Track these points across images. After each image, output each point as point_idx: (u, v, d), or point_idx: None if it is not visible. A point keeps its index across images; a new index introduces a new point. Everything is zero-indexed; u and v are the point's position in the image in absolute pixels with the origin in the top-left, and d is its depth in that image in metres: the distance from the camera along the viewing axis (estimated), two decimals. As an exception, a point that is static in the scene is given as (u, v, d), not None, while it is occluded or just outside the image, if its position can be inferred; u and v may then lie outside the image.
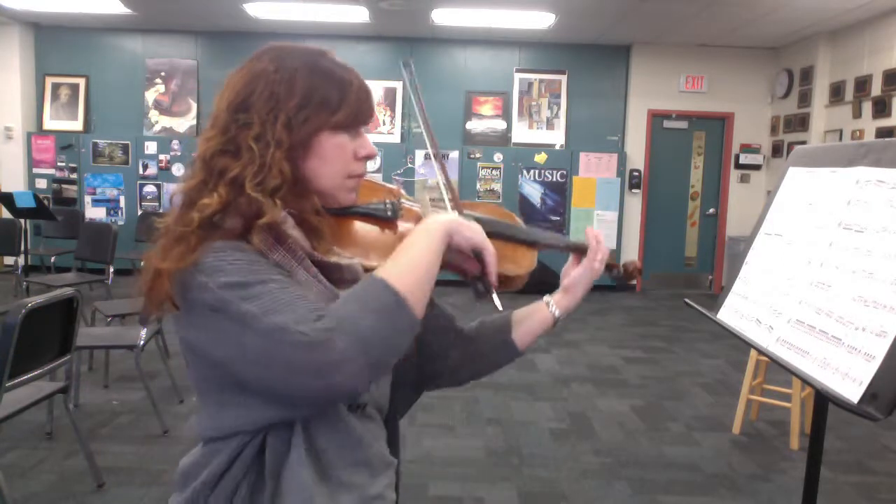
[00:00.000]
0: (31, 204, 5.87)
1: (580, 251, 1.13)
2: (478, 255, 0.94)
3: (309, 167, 0.90)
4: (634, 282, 1.24)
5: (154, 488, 2.85)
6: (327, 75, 0.90)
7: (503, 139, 8.07)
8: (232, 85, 0.90)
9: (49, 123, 8.04)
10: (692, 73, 7.95)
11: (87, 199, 7.87)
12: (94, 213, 7.84)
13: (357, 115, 0.92)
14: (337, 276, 0.89)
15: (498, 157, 7.87)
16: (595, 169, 7.89)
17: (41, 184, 7.87)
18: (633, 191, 8.07)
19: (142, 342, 3.37)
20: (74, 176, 7.86)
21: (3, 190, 7.15)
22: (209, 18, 7.36)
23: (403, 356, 0.85)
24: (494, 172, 7.87)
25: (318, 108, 0.88)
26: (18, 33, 7.79)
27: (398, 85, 7.92)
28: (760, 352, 1.46)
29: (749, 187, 8.12)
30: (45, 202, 6.58)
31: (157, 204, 7.84)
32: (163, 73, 8.04)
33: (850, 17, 6.39)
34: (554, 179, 7.89)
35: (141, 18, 7.44)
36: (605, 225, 7.90)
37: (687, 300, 1.83)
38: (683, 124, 8.13)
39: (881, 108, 6.15)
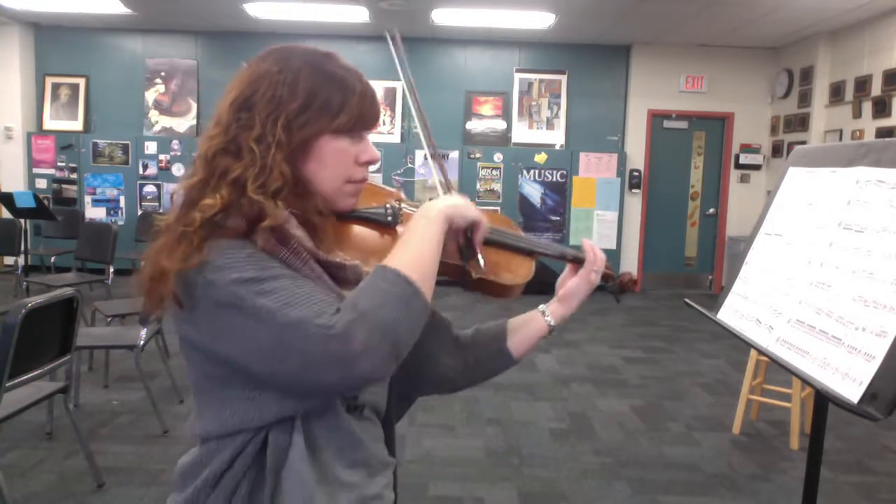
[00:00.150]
0: (31, 204, 5.87)
1: (577, 262, 1.14)
2: (467, 229, 0.98)
3: (308, 170, 0.90)
4: (627, 293, 1.25)
5: (154, 488, 2.85)
6: (330, 78, 0.90)
7: (503, 139, 8.07)
8: (236, 84, 0.90)
9: (49, 123, 8.05)
10: (692, 73, 7.95)
11: (87, 199, 7.87)
12: (94, 213, 7.84)
13: (359, 119, 0.91)
14: (341, 276, 0.89)
15: (498, 157, 7.87)
16: (595, 169, 7.89)
17: (41, 184, 7.87)
18: (633, 191, 8.07)
19: (142, 342, 3.37)
20: (74, 176, 7.86)
21: (3, 190, 7.15)
22: (209, 18, 7.36)
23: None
24: (494, 172, 7.87)
25: (318, 112, 0.88)
26: (18, 33, 7.79)
27: (398, 85, 7.91)
28: (760, 352, 1.46)
29: (749, 187, 8.12)
30: (45, 202, 6.58)
31: (157, 204, 7.85)
32: (163, 73, 8.04)
33: (850, 17, 6.40)
34: (554, 179, 7.89)
35: (141, 18, 7.44)
36: (605, 225, 7.90)
37: (687, 300, 1.83)
38: (683, 124, 8.14)
39: (881, 108, 6.15)
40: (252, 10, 6.86)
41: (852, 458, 3.39)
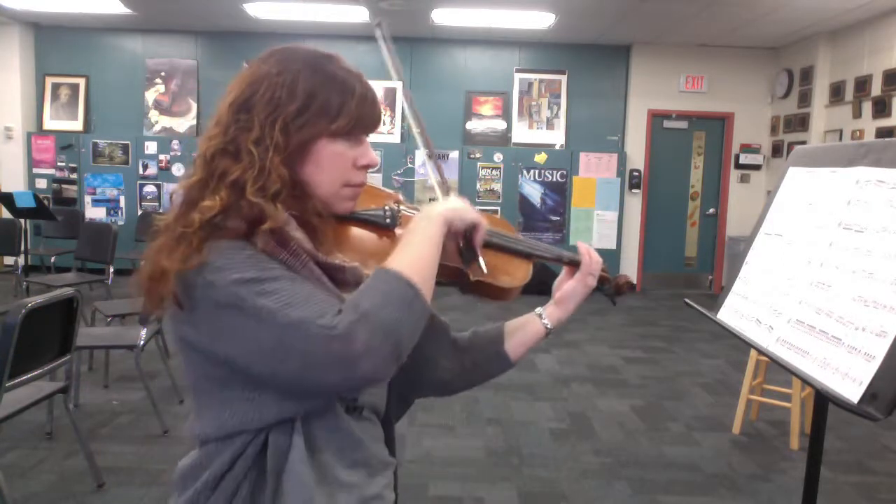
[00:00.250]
0: (31, 204, 5.87)
1: (574, 265, 1.14)
2: (466, 231, 0.98)
3: (306, 173, 0.90)
4: (623, 296, 1.26)
5: (154, 488, 2.85)
6: (330, 80, 0.89)
7: (503, 139, 8.07)
8: (236, 85, 0.90)
9: (49, 123, 8.04)
10: (692, 73, 7.95)
11: (87, 199, 7.87)
12: (94, 213, 7.84)
13: (358, 122, 0.91)
14: (340, 278, 0.89)
15: (498, 157, 7.87)
16: (595, 169, 7.89)
17: (41, 184, 7.87)
18: (633, 191, 8.07)
19: (142, 342, 3.37)
20: (74, 176, 7.86)
21: (3, 190, 7.15)
22: (209, 18, 7.36)
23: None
24: (494, 172, 7.87)
25: (316, 114, 0.88)
26: (18, 33, 7.79)
27: (398, 85, 7.89)
28: (760, 352, 1.46)
29: (749, 187, 8.12)
30: (45, 202, 6.58)
31: (157, 204, 7.85)
32: (163, 73, 8.04)
33: (850, 17, 6.40)
34: (554, 179, 7.89)
35: (141, 18, 7.44)
36: (605, 225, 7.90)
37: (687, 300, 1.83)
38: (683, 124, 8.14)
39: (881, 108, 6.15)
40: (252, 10, 6.86)
41: (852, 458, 3.39)
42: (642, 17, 6.73)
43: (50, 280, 5.28)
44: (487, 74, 8.10)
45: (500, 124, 8.09)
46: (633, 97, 8.05)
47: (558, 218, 7.92)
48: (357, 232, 0.99)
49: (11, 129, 7.89)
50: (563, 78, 8.08)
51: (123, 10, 7.03)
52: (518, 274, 1.07)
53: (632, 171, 8.03)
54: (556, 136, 8.08)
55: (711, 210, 8.25)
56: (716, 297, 1.73)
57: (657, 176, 8.16)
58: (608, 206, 7.90)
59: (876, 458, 3.41)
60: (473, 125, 8.09)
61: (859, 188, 1.37)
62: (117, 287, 5.63)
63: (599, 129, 8.13)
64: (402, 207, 1.05)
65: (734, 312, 1.63)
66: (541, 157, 7.87)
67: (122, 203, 7.88)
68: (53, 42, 8.03)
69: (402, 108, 7.86)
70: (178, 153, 7.84)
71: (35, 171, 7.89)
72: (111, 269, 5.24)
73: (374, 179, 7.41)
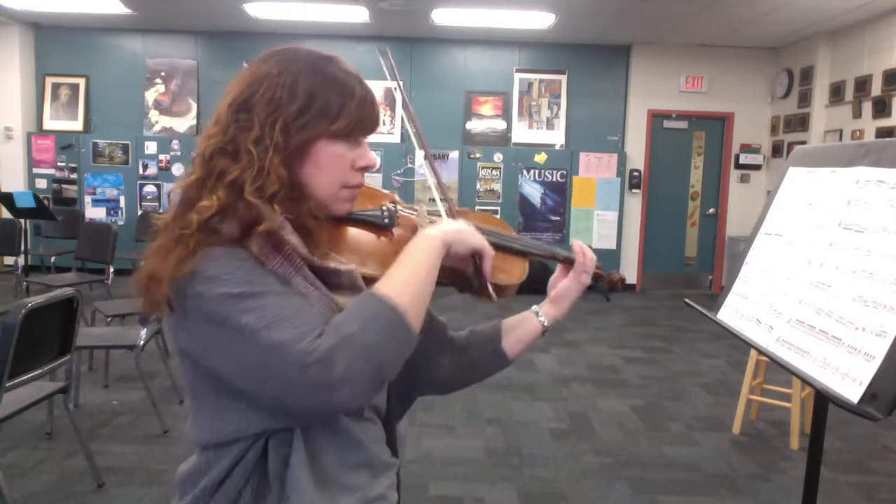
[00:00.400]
0: (31, 204, 5.87)
1: (569, 263, 1.14)
2: (474, 255, 0.96)
3: (304, 174, 0.90)
4: (617, 292, 1.26)
5: (154, 488, 2.85)
6: (330, 81, 0.89)
7: (503, 139, 8.07)
8: (236, 85, 0.90)
9: (49, 123, 8.05)
10: (692, 73, 7.95)
11: (87, 199, 7.87)
12: (94, 213, 7.84)
13: (357, 124, 0.91)
14: (335, 282, 0.88)
15: (498, 157, 7.87)
16: (595, 169, 7.89)
17: (41, 184, 7.87)
18: (633, 191, 8.07)
19: (142, 342, 3.37)
20: (74, 176, 7.87)
21: (3, 190, 7.15)
22: (209, 18, 7.36)
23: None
24: (494, 172, 7.87)
25: (316, 116, 0.88)
26: (18, 33, 7.79)
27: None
28: (760, 352, 1.46)
29: (749, 187, 8.12)
30: (45, 202, 6.58)
31: (157, 204, 7.85)
32: (163, 73, 8.04)
33: (850, 17, 6.40)
34: (554, 179, 7.89)
35: (141, 18, 7.44)
36: (605, 225, 7.90)
37: (687, 300, 1.83)
38: (683, 124, 8.14)
39: (881, 108, 6.15)
40: (252, 10, 6.86)
41: (852, 458, 3.39)
42: (642, 17, 6.73)
43: (50, 280, 5.28)
44: (487, 74, 8.10)
45: (500, 124, 8.09)
46: (633, 97, 8.05)
47: (558, 218, 7.92)
48: (355, 233, 0.99)
49: (11, 129, 7.89)
50: (563, 78, 8.08)
51: (123, 10, 7.04)
52: (515, 272, 1.08)
53: (632, 171, 8.03)
54: (556, 136, 8.08)
55: (711, 210, 8.25)
56: (716, 297, 1.73)
57: (657, 176, 8.16)
58: (608, 206, 7.90)
59: (876, 458, 3.41)
60: (473, 125, 8.09)
61: (859, 188, 1.37)
62: (117, 287, 5.63)
63: (599, 129, 8.13)
64: (399, 208, 1.05)
65: (734, 312, 1.63)
66: (541, 157, 7.87)
67: (122, 203, 7.88)
68: (53, 42, 8.03)
69: (402, 118, 7.88)
70: (178, 153, 7.84)
71: (35, 171, 7.89)
72: (111, 269, 5.24)
73: (375, 180, 7.42)
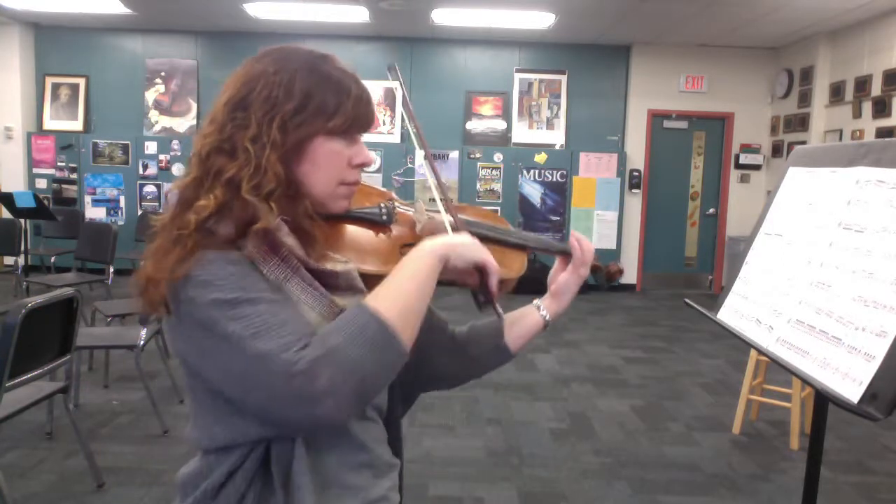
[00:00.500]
0: (31, 204, 5.87)
1: (567, 255, 1.14)
2: (478, 269, 0.94)
3: (302, 172, 0.90)
4: (616, 283, 1.27)
5: (154, 488, 2.85)
6: (326, 80, 0.89)
7: (503, 139, 8.07)
8: (232, 84, 0.90)
9: (49, 123, 8.05)
10: (692, 73, 7.95)
11: (87, 199, 7.87)
12: (94, 213, 7.84)
13: (354, 121, 0.91)
14: (332, 283, 0.88)
15: (498, 157, 7.87)
16: (595, 169, 7.89)
17: (41, 184, 7.87)
18: (633, 191, 8.07)
19: (142, 342, 3.37)
20: (74, 176, 7.87)
21: (3, 190, 7.15)
22: (209, 18, 7.36)
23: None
24: (494, 172, 7.87)
25: (314, 113, 0.88)
26: (18, 33, 7.79)
27: (398, 85, 7.91)
28: (760, 352, 1.46)
29: (749, 187, 8.12)
30: (45, 202, 6.58)
31: (157, 204, 7.85)
32: (163, 73, 8.04)
33: (850, 17, 6.39)
34: (554, 179, 7.89)
35: (141, 18, 7.44)
36: (605, 225, 7.90)
37: (687, 300, 1.83)
38: (683, 124, 8.13)
39: (881, 108, 6.15)
40: (252, 10, 6.86)
41: (852, 458, 3.39)
42: (642, 17, 6.73)
43: (50, 280, 5.28)
44: (487, 74, 8.10)
45: (500, 124, 8.09)
46: (633, 97, 8.05)
47: (558, 218, 7.92)
48: (354, 230, 0.99)
49: (11, 129, 7.89)
50: (563, 78, 8.08)
51: (123, 10, 7.03)
52: (514, 266, 1.08)
53: (632, 171, 8.03)
54: (556, 136, 8.08)
55: (711, 210, 8.24)
56: (716, 297, 1.73)
57: (657, 176, 8.16)
58: (608, 206, 7.90)
59: (876, 458, 3.41)
60: (473, 125, 8.09)
61: (859, 188, 1.37)
62: (117, 287, 5.63)
63: (599, 129, 8.13)
64: (396, 205, 1.05)
65: (734, 312, 1.63)
66: (541, 157, 7.87)
67: (122, 203, 7.88)
68: (53, 42, 8.03)
69: (403, 119, 7.88)
70: (178, 153, 7.84)
71: (35, 171, 7.89)
72: (111, 269, 5.24)
73: (375, 180, 7.42)
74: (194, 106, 8.02)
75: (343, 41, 7.80)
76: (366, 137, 0.97)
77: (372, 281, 0.93)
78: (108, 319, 3.94)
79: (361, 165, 0.94)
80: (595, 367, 4.87)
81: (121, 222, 7.70)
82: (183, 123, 8.01)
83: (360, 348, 0.78)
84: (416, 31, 7.67)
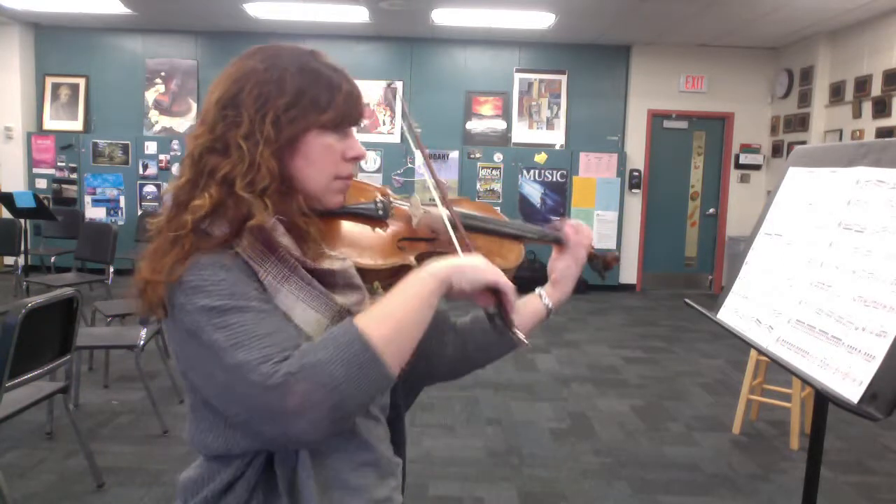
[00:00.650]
0: (31, 204, 5.87)
1: (560, 243, 1.15)
2: (492, 291, 0.89)
3: (295, 167, 0.89)
4: (611, 270, 1.27)
5: (154, 488, 2.85)
6: (317, 76, 0.89)
7: (503, 139, 8.07)
8: (221, 82, 0.89)
9: (49, 123, 8.04)
10: (692, 73, 7.95)
11: (87, 199, 7.87)
12: (94, 213, 7.84)
13: (346, 116, 0.91)
14: (330, 282, 0.88)
15: (498, 157, 7.87)
16: (595, 169, 7.88)
17: (41, 184, 7.87)
18: (633, 191, 8.07)
19: (142, 342, 3.36)
20: (74, 176, 7.86)
21: (3, 190, 7.15)
22: (209, 18, 7.36)
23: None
24: (494, 172, 7.87)
25: (306, 108, 0.88)
26: (18, 33, 7.79)
27: (398, 85, 7.92)
28: (760, 352, 1.46)
29: (749, 187, 8.12)
30: (45, 202, 6.58)
31: (157, 204, 7.84)
32: (163, 73, 8.04)
33: (850, 17, 6.39)
34: (554, 179, 7.89)
35: (141, 18, 7.44)
36: (605, 225, 7.90)
37: (687, 300, 1.83)
38: (683, 124, 8.13)
39: (881, 108, 6.15)
40: (252, 10, 6.86)
41: (852, 458, 3.39)
42: (642, 17, 6.73)
43: (50, 280, 5.28)
44: (487, 74, 8.09)
45: (500, 124, 8.09)
46: (633, 97, 8.04)
47: (558, 218, 7.89)
48: (350, 226, 1.00)
49: (11, 129, 7.89)
50: (563, 78, 8.08)
51: (123, 10, 7.03)
52: (511, 256, 1.09)
53: (632, 171, 8.03)
54: (556, 136, 8.07)
55: (711, 210, 8.24)
56: (716, 297, 1.73)
57: (657, 176, 8.16)
58: (608, 206, 7.90)
59: (876, 458, 3.41)
60: (473, 125, 8.09)
61: (859, 188, 1.37)
62: (117, 287, 5.62)
63: (599, 129, 8.13)
64: (392, 200, 1.06)
65: (734, 312, 1.63)
66: (541, 157, 7.87)
67: (122, 203, 7.88)
68: (53, 42, 8.03)
69: (402, 128, 7.86)
70: (178, 153, 7.83)
71: (35, 171, 7.89)
72: (111, 269, 5.24)
73: (375, 180, 7.41)
74: (194, 106, 8.02)
75: (343, 41, 7.80)
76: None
77: (370, 276, 0.93)
78: (108, 319, 3.94)
79: (355, 159, 0.94)
80: (595, 367, 4.87)
81: (121, 222, 7.70)
82: (183, 123, 8.01)
83: (339, 368, 0.76)
84: (416, 31, 7.67)
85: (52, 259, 6.94)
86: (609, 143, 8.12)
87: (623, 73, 8.09)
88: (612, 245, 7.84)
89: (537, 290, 1.15)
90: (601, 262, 1.23)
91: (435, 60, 8.06)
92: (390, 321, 0.80)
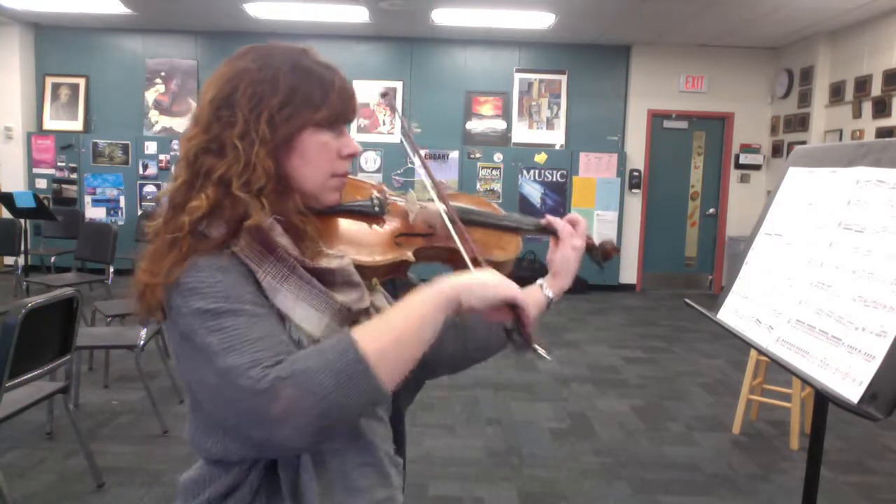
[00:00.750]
0: (31, 204, 5.87)
1: (554, 234, 1.15)
2: (509, 306, 0.87)
3: (291, 166, 0.89)
4: (611, 260, 1.27)
5: (154, 488, 2.85)
6: (310, 74, 0.89)
7: (503, 139, 8.07)
8: (214, 83, 0.89)
9: (49, 123, 8.04)
10: (692, 73, 7.95)
11: (87, 199, 7.87)
12: (94, 213, 7.84)
13: (340, 113, 0.91)
14: (329, 280, 0.88)
15: (498, 157, 7.87)
16: (595, 169, 7.89)
17: (41, 184, 7.87)
18: (633, 191, 8.07)
19: (142, 342, 3.37)
20: (74, 176, 7.86)
21: (3, 190, 7.15)
22: (209, 18, 7.36)
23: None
24: (494, 172, 7.87)
25: (301, 106, 0.88)
26: (18, 33, 7.79)
27: (398, 84, 7.92)
28: (760, 352, 1.46)
29: (749, 187, 8.12)
30: (45, 202, 6.58)
31: (157, 204, 7.83)
32: (163, 73, 8.04)
33: (850, 17, 6.39)
34: (554, 179, 7.89)
35: (141, 18, 7.44)
36: (605, 225, 7.90)
37: (687, 300, 1.83)
38: (683, 124, 8.13)
39: (881, 108, 6.15)
40: (252, 10, 6.86)
41: (852, 458, 3.39)
42: (642, 17, 6.73)
43: (50, 280, 5.28)
44: (487, 74, 8.09)
45: (500, 124, 8.09)
46: (633, 97, 8.04)
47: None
48: (347, 224, 1.00)
49: (11, 129, 7.89)
50: (563, 78, 8.08)
51: (123, 10, 7.03)
52: (510, 248, 1.10)
53: (632, 171, 8.03)
54: (556, 136, 8.07)
55: (711, 210, 8.24)
56: (716, 297, 1.73)
57: (657, 176, 8.15)
58: (608, 206, 7.90)
59: (876, 458, 3.41)
60: (473, 125, 8.09)
61: (859, 188, 1.37)
62: (117, 287, 5.62)
63: (599, 129, 8.13)
64: (388, 196, 1.06)
65: (734, 312, 1.63)
66: (541, 157, 7.87)
67: (122, 203, 7.88)
68: (53, 42, 8.03)
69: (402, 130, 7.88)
70: (178, 153, 7.83)
71: (35, 171, 7.89)
72: (111, 269, 5.24)
73: (375, 180, 7.41)
74: (194, 106, 8.00)
75: (343, 41, 7.80)
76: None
77: (369, 272, 0.93)
78: (108, 319, 3.94)
79: (350, 156, 0.94)
80: (595, 367, 4.87)
81: (121, 222, 7.70)
82: (183, 123, 8.01)
83: (330, 376, 0.75)
84: (416, 31, 7.67)
85: (52, 259, 6.94)
86: (609, 143, 8.12)
87: (623, 73, 8.09)
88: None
89: (538, 281, 1.15)
90: (600, 252, 1.23)
91: (435, 60, 8.06)
92: (388, 335, 0.79)
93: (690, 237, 8.32)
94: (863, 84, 6.41)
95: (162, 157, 7.85)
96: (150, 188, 7.88)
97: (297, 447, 0.78)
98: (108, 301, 4.60)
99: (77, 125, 8.03)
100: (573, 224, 1.14)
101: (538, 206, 7.89)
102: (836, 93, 6.83)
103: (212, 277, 0.81)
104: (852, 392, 1.15)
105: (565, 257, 1.13)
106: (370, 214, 1.02)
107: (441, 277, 0.85)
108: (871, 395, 1.12)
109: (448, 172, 7.77)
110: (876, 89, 6.23)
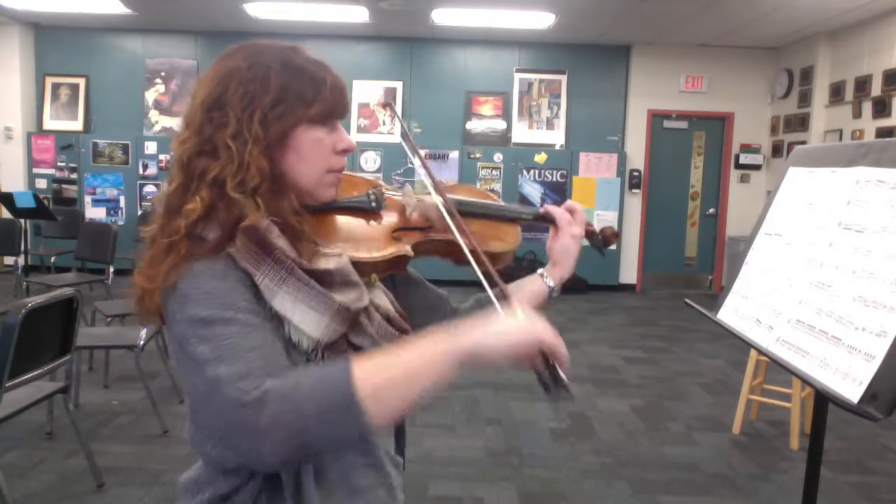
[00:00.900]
0: (31, 204, 5.87)
1: (552, 222, 1.16)
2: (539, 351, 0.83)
3: (286, 164, 0.89)
4: (612, 247, 1.28)
5: (154, 488, 2.85)
6: (301, 71, 0.89)
7: (503, 139, 8.07)
8: (204, 84, 0.89)
9: (49, 123, 8.04)
10: (692, 73, 7.95)
11: (87, 199, 7.87)
12: (94, 213, 7.84)
13: (332, 109, 0.91)
14: (327, 281, 0.87)
15: (498, 157, 7.87)
16: (595, 169, 7.89)
17: (41, 184, 7.87)
18: (633, 191, 8.07)
19: (142, 342, 3.36)
20: (74, 176, 7.86)
21: (3, 190, 7.15)
22: (209, 18, 7.36)
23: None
24: (494, 172, 7.87)
25: (293, 103, 0.87)
26: (18, 33, 7.79)
27: (398, 84, 7.92)
28: (760, 352, 1.46)
29: (749, 187, 8.12)
30: (45, 202, 6.58)
31: (151, 207, 7.84)
32: (163, 73, 8.04)
33: (850, 17, 6.39)
34: (554, 179, 7.89)
35: (141, 18, 7.44)
36: (606, 225, 7.89)
37: (687, 300, 1.83)
38: (683, 124, 8.13)
39: (881, 108, 6.15)
40: (252, 10, 6.86)
41: (852, 458, 3.39)
42: (642, 17, 6.73)
43: (50, 280, 5.28)
44: (487, 74, 8.09)
45: (500, 124, 8.09)
46: (633, 97, 8.04)
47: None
48: (344, 220, 0.99)
49: (11, 129, 7.89)
50: (563, 78, 8.08)
51: (123, 10, 7.03)
52: (508, 238, 1.10)
53: (632, 171, 8.03)
54: (556, 136, 8.08)
55: (711, 210, 8.24)
56: (716, 297, 1.73)
57: (657, 176, 8.15)
58: (608, 206, 7.90)
59: (876, 458, 3.41)
60: (473, 125, 8.09)
61: (859, 188, 1.37)
62: (117, 287, 5.62)
63: (599, 129, 8.13)
64: (384, 191, 1.06)
65: (734, 312, 1.63)
66: (541, 157, 7.87)
67: (122, 203, 7.88)
68: (53, 42, 8.03)
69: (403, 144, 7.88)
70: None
71: (35, 171, 7.89)
72: (111, 269, 5.24)
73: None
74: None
75: (343, 41, 7.80)
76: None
77: (367, 269, 0.93)
78: (108, 319, 3.94)
79: (345, 151, 0.94)
80: (595, 367, 4.87)
81: (121, 222, 7.70)
82: (183, 123, 8.01)
83: (313, 402, 0.75)
84: (416, 31, 7.67)
85: (52, 259, 6.94)
86: (609, 143, 8.12)
87: (623, 73, 8.09)
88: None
89: (539, 270, 1.15)
90: (600, 238, 1.23)
91: (435, 60, 8.06)
92: (386, 373, 0.78)
93: (690, 237, 8.32)
94: (863, 84, 6.41)
95: (162, 157, 7.85)
96: (150, 188, 7.88)
97: (273, 462, 0.77)
98: (108, 301, 4.60)
99: (77, 125, 8.03)
100: (571, 212, 1.14)
101: (538, 205, 7.87)
102: (836, 93, 6.83)
103: (207, 284, 0.80)
104: (852, 392, 1.15)
105: (565, 246, 1.13)
106: (367, 210, 1.01)
107: (464, 324, 0.81)
108: (871, 395, 1.12)
109: (448, 172, 7.77)
110: (876, 89, 6.23)
